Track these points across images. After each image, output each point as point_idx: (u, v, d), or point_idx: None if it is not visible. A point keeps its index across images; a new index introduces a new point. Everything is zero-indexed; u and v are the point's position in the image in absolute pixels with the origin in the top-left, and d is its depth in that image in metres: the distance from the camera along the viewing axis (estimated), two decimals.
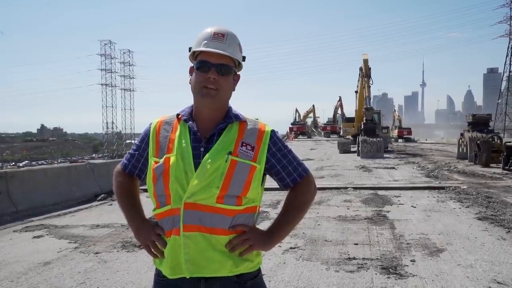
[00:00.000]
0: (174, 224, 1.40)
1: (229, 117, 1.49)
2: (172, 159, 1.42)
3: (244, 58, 1.55)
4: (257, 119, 1.57)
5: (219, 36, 1.45)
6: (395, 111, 57.20)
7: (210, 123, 1.47)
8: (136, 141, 1.62)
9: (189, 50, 1.50)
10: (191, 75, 1.50)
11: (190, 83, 1.50)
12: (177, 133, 1.48)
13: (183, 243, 1.38)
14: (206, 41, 1.44)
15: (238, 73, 1.54)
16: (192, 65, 1.51)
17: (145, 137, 1.55)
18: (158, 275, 1.50)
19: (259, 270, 1.52)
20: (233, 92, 1.53)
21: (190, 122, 1.48)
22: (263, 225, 1.59)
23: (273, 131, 1.52)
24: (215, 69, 1.42)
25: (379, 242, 5.25)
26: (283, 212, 1.56)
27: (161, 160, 1.44)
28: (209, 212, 1.38)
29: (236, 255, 1.43)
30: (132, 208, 1.58)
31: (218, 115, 1.48)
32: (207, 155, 1.41)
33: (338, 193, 9.32)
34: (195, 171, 1.39)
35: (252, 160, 1.44)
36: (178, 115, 1.53)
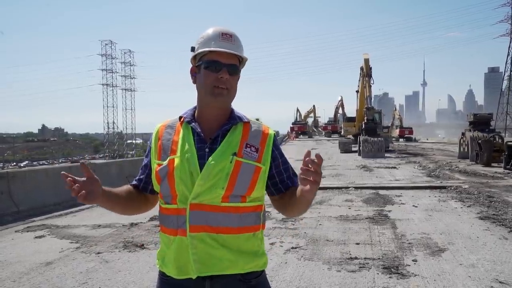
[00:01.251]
0: (180, 225, 1.40)
1: (233, 118, 1.49)
2: (177, 160, 1.43)
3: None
4: (257, 119, 1.58)
5: (227, 37, 1.46)
6: (395, 109, 56.85)
7: (214, 124, 1.48)
8: (145, 160, 1.59)
9: (192, 50, 1.50)
10: (193, 76, 1.50)
11: (194, 83, 1.50)
12: (181, 135, 1.48)
13: (190, 243, 1.38)
14: (215, 42, 1.45)
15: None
16: (192, 65, 1.50)
17: (149, 149, 1.55)
18: (163, 274, 1.49)
19: (263, 269, 1.52)
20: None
21: (193, 124, 1.48)
22: (266, 224, 1.59)
23: (274, 135, 1.55)
24: (226, 69, 1.43)
25: (381, 241, 5.24)
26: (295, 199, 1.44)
27: (165, 162, 1.45)
28: (214, 211, 1.39)
29: (247, 252, 1.43)
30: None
31: (222, 116, 1.49)
32: (212, 156, 1.41)
33: (339, 193, 9.32)
34: (200, 172, 1.39)
35: (257, 161, 1.45)
36: (180, 117, 1.53)
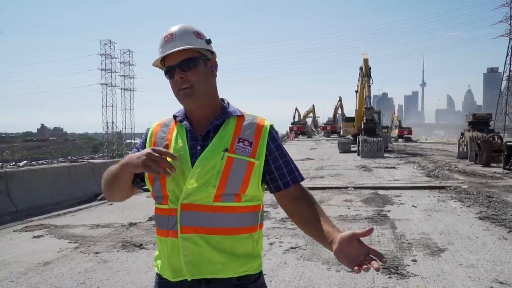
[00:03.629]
0: (171, 226, 1.37)
1: (226, 113, 1.45)
2: (169, 159, 1.38)
3: (209, 41, 1.46)
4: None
5: (168, 38, 1.41)
6: (394, 112, 56.84)
7: (205, 120, 1.44)
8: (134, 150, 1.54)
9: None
10: None
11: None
12: (174, 133, 1.45)
13: (181, 245, 1.35)
14: (161, 49, 1.42)
15: (212, 59, 1.46)
16: None
17: (144, 142, 1.52)
18: (159, 277, 1.46)
19: (260, 273, 1.48)
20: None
21: (185, 122, 1.45)
22: (265, 224, 1.57)
23: (272, 127, 1.47)
24: (179, 69, 1.38)
25: (380, 242, 5.23)
26: (324, 220, 1.41)
27: None
28: (207, 212, 1.35)
29: (241, 255, 1.39)
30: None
31: (211, 111, 1.45)
32: (202, 153, 1.37)
33: (338, 193, 9.31)
34: None
35: (250, 156, 1.39)
36: (175, 116, 1.50)
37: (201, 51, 1.42)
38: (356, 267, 1.21)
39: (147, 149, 1.29)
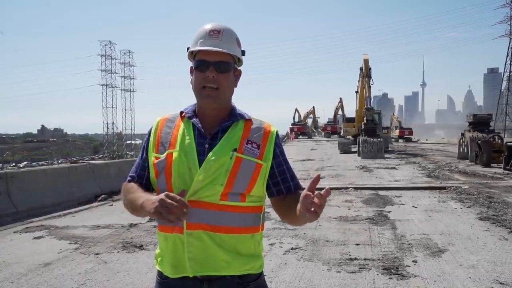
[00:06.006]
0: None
1: (234, 116, 1.47)
2: (175, 154, 1.40)
3: (243, 53, 1.52)
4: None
5: (214, 33, 1.42)
6: (393, 114, 56.80)
7: (214, 121, 1.46)
8: (143, 154, 1.53)
9: (188, 50, 1.49)
10: (192, 75, 1.49)
11: (191, 83, 1.48)
12: (181, 129, 1.46)
13: (186, 241, 1.36)
14: (202, 40, 1.42)
15: (238, 68, 1.51)
16: (192, 64, 1.49)
17: (148, 137, 1.52)
18: (160, 276, 1.47)
19: (261, 272, 1.50)
20: (236, 90, 1.51)
21: (194, 119, 1.46)
22: (265, 225, 1.57)
23: (277, 133, 1.52)
24: (214, 67, 1.40)
25: (381, 242, 5.23)
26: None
27: (163, 156, 1.42)
28: (213, 209, 1.36)
29: (244, 254, 1.40)
30: (139, 191, 1.44)
31: (222, 113, 1.47)
32: (211, 152, 1.39)
33: (339, 194, 9.30)
34: (199, 167, 1.37)
35: (258, 158, 1.42)
36: (181, 112, 1.51)
37: (235, 59, 1.46)
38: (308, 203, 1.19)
39: (161, 195, 1.24)
